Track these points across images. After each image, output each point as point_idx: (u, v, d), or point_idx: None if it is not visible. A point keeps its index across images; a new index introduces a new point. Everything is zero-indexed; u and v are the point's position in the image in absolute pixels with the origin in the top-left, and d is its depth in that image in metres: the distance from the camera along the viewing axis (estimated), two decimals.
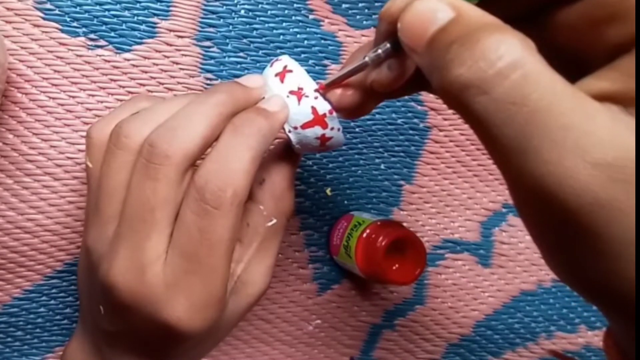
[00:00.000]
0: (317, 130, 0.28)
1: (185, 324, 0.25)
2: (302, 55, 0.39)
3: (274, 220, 0.29)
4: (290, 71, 0.28)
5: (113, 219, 0.26)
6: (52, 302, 0.38)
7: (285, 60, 0.28)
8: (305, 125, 0.28)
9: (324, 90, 0.27)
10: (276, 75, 0.28)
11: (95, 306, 0.28)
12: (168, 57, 0.37)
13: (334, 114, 0.27)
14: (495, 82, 0.16)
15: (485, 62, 0.17)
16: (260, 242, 0.29)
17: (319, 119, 0.27)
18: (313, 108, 0.27)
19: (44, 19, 0.35)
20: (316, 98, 0.27)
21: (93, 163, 0.28)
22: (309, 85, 0.27)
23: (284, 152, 0.30)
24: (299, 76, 0.28)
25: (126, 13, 0.36)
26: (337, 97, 0.27)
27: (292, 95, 0.27)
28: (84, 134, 0.35)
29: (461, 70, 0.17)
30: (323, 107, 0.27)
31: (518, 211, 0.19)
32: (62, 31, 0.35)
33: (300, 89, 0.27)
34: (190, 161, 0.25)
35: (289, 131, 0.28)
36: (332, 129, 0.28)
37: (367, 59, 0.24)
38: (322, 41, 0.39)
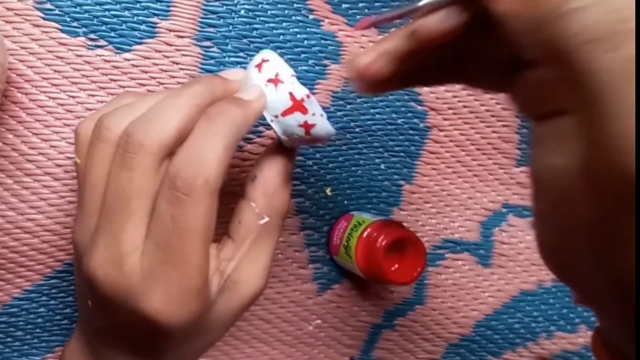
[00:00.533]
0: (298, 117, 0.28)
1: (164, 316, 0.25)
2: (302, 55, 0.39)
3: (267, 219, 0.29)
4: (267, 60, 0.28)
5: (95, 212, 0.26)
6: (52, 302, 0.38)
7: (264, 52, 0.29)
8: (285, 113, 0.28)
9: (371, 25, 0.25)
10: (255, 66, 0.28)
11: (85, 301, 0.28)
12: (168, 57, 0.37)
13: (312, 98, 0.27)
14: (627, 38, 0.15)
15: (619, 14, 0.15)
16: (252, 240, 0.29)
17: (297, 105, 0.27)
18: (290, 94, 0.27)
19: (44, 19, 0.35)
20: (293, 83, 0.27)
21: (80, 159, 0.28)
22: (286, 72, 0.27)
23: (277, 148, 0.30)
24: (276, 64, 0.28)
25: (126, 13, 0.36)
26: (365, 63, 0.24)
27: (270, 84, 0.28)
28: None
29: (590, 21, 0.16)
30: (300, 91, 0.27)
31: (587, 190, 0.17)
32: (62, 31, 0.35)
33: (276, 75, 0.27)
34: (165, 151, 0.25)
35: (271, 120, 0.28)
36: (313, 114, 0.28)
37: (424, 2, 0.22)
38: (322, 41, 0.39)
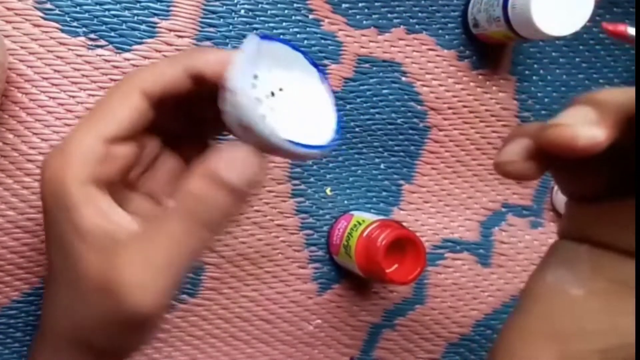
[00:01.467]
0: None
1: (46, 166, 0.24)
2: None
3: (174, 204, 0.23)
4: None
5: None
6: None
7: None
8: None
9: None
10: None
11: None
12: (168, 57, 0.37)
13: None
14: None
15: None
16: (157, 220, 0.23)
17: None
18: None
19: (44, 18, 0.35)
20: None
21: None
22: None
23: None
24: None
25: (126, 13, 0.36)
26: (519, 170, 0.22)
27: None
28: None
29: None
30: None
31: None
32: (62, 31, 0.35)
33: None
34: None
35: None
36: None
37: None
38: (322, 41, 0.39)
